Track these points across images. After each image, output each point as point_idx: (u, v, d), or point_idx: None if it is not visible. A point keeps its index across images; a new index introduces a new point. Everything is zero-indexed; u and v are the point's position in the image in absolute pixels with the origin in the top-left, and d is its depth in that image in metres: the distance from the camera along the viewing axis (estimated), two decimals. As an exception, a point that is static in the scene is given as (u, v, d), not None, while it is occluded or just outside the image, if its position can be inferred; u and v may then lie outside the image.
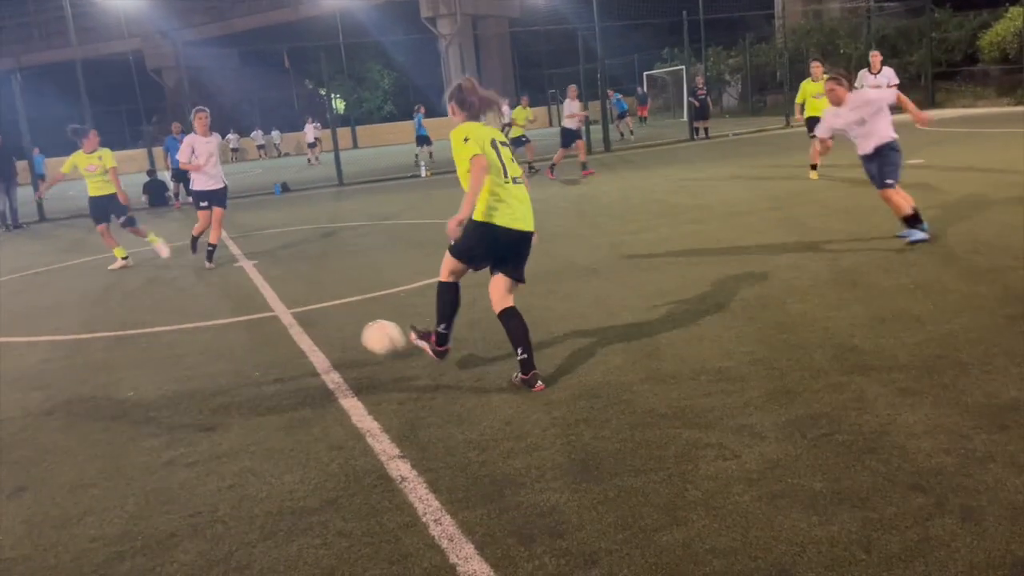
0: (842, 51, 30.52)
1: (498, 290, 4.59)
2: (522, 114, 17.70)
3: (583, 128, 17.49)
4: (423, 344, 4.85)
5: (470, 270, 4.78)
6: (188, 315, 7.08)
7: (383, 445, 3.82)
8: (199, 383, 5.10)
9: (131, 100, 37.44)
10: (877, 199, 7.34)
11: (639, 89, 38.89)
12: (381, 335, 4.81)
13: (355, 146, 40.40)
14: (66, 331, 6.94)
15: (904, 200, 7.03)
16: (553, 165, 16.38)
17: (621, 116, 28.12)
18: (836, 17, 33.81)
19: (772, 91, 34.09)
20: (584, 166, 16.33)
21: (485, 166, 4.30)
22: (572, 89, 17.13)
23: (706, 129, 24.01)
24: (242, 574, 2.84)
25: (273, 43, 44.53)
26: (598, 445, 3.59)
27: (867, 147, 7.14)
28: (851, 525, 2.74)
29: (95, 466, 3.92)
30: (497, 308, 4.55)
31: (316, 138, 32.49)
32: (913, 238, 6.96)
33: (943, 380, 3.93)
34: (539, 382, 4.37)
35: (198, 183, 9.65)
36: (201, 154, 9.38)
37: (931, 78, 26.82)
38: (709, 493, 3.06)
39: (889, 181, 6.94)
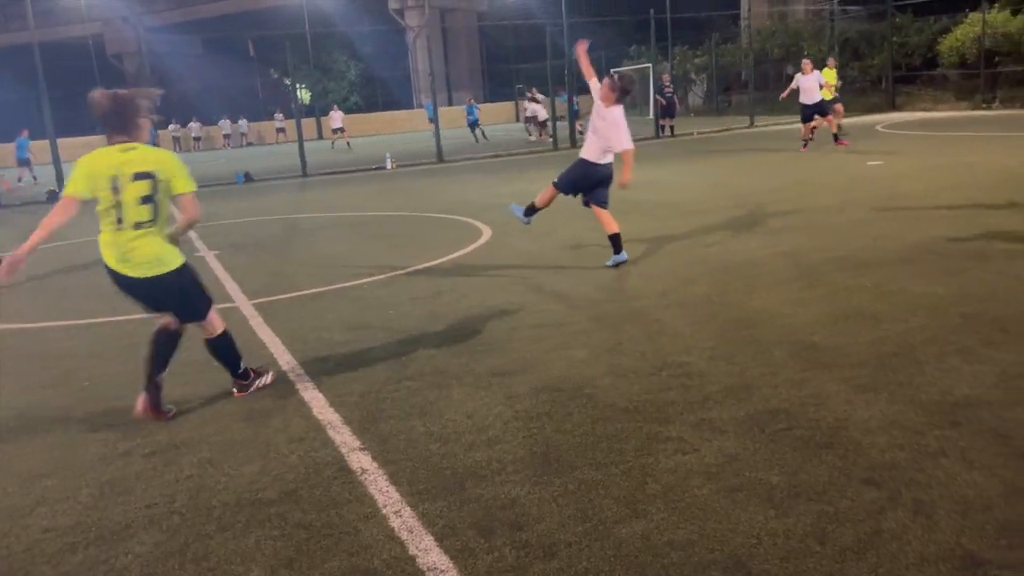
0: (806, 53, 30.92)
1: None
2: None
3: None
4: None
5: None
6: (146, 305, 6.95)
7: (344, 437, 3.79)
8: (157, 373, 5.01)
9: (91, 85, 36.30)
10: (840, 203, 7.45)
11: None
12: None
13: (320, 137, 40.00)
14: (22, 319, 6.78)
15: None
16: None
17: (531, 119, 27.85)
18: (800, 19, 34.29)
19: (737, 91, 34.45)
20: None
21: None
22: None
23: (672, 127, 24.20)
24: (198, 566, 2.80)
25: (238, 31, 43.89)
26: (559, 438, 3.60)
27: None
28: (807, 518, 2.79)
29: (48, 456, 3.84)
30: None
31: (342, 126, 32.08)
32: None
33: (898, 377, 4.00)
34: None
35: None
36: None
37: (891, 81, 27.32)
38: (668, 486, 3.09)
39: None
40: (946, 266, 6.14)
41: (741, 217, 9.10)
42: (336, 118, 32.32)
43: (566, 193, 7.29)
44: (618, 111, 7.06)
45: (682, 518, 2.85)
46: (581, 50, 7.58)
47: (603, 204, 7.13)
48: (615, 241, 7.11)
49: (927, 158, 13.51)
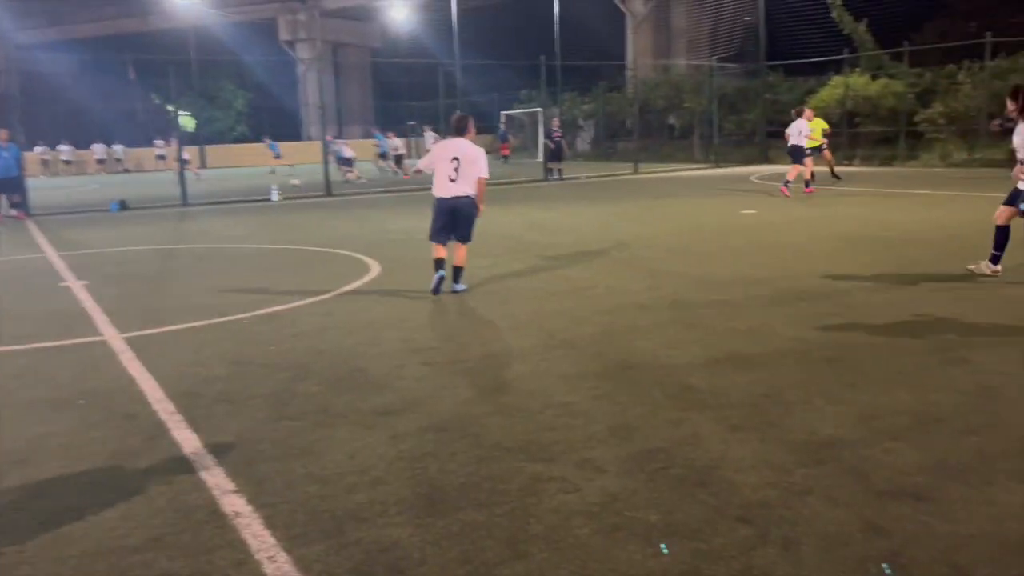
0: (686, 105, 32.44)
1: None
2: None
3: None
4: None
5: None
6: (1, 337, 6.49)
7: (217, 479, 3.63)
8: (13, 411, 4.67)
9: (-50, 101, 34.22)
10: (717, 249, 7.79)
11: (500, 127, 39.65)
12: None
13: (204, 166, 38.76)
14: None
15: None
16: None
17: (382, 156, 28.60)
18: (682, 73, 35.94)
19: (623, 138, 35.65)
20: None
21: None
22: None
23: (560, 170, 24.76)
24: (50, 621, 2.60)
25: (118, 52, 42.14)
26: (443, 479, 3.56)
27: None
28: (682, 556, 2.86)
29: None
30: None
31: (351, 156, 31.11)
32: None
33: (769, 418, 4.19)
34: None
35: None
36: None
37: (764, 135, 28.93)
38: (551, 526, 3.10)
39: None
40: (813, 312, 6.49)
41: (626, 260, 9.37)
42: (346, 150, 31.41)
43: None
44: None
45: (563, 558, 2.87)
46: None
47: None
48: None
49: (796, 209, 14.33)
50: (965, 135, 23.77)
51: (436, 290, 7.50)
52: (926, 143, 24.71)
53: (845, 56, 26.78)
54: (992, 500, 3.20)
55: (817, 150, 18.23)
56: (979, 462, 3.56)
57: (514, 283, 8.22)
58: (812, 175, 16.85)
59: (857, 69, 26.76)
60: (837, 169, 19.78)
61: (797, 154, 16.79)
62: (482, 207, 7.78)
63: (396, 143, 27.15)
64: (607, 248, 10.30)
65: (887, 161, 24.79)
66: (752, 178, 21.98)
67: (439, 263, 7.59)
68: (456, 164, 7.54)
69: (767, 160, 27.91)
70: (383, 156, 28.52)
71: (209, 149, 42.77)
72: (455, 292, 7.60)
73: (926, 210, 13.39)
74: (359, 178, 24.96)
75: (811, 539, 2.94)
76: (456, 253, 7.73)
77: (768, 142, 28.89)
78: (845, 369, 4.97)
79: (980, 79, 23.05)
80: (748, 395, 4.54)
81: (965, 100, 23.73)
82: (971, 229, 10.11)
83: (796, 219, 12.76)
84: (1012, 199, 7.36)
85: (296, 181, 23.02)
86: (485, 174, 7.67)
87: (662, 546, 2.89)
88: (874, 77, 26.29)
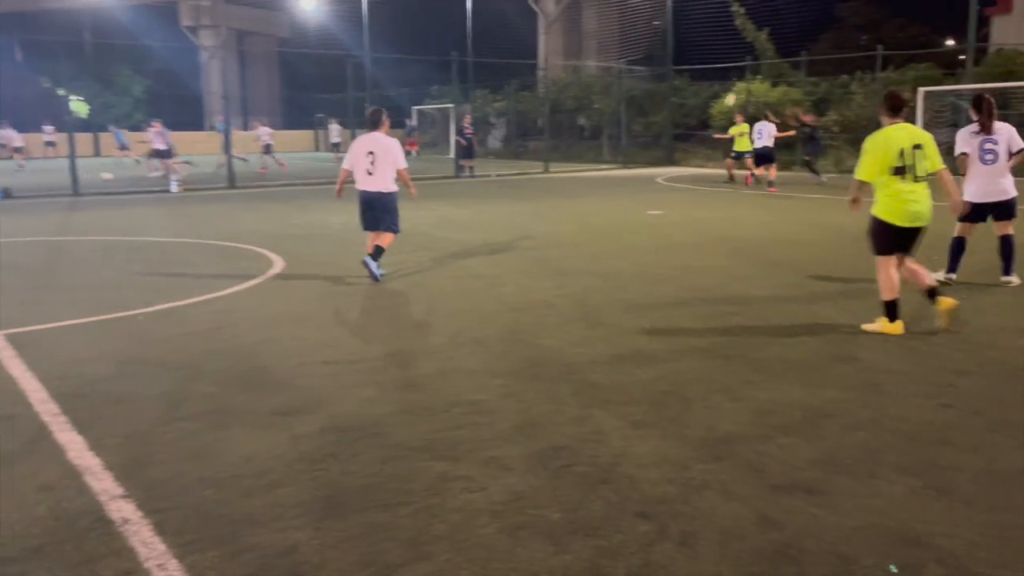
0: (596, 106, 32.91)
1: None
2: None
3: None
4: None
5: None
6: None
7: (104, 484, 3.45)
8: None
9: None
10: (623, 248, 7.91)
11: (407, 122, 39.23)
12: None
13: (97, 154, 36.99)
14: None
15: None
16: None
17: (121, 148, 28.24)
18: (592, 74, 36.45)
19: (534, 136, 35.89)
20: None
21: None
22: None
23: (471, 168, 24.73)
24: (-89, 641, 2.41)
25: (3, 32, 39.75)
26: (345, 480, 3.49)
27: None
28: (584, 553, 2.88)
29: None
30: None
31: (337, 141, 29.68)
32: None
33: (670, 414, 4.27)
34: None
35: None
36: None
37: (671, 138, 29.64)
38: (455, 526, 3.07)
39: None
40: (714, 311, 6.67)
41: (534, 258, 9.42)
42: (334, 131, 30.37)
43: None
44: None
45: (466, 558, 2.85)
46: None
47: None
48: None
49: (698, 210, 14.73)
50: (856, 143, 24.96)
51: (373, 277, 7.87)
52: (822, 150, 25.80)
53: (748, 63, 27.71)
54: (877, 492, 3.35)
55: (747, 154, 19.33)
56: (865, 455, 3.72)
57: (423, 280, 8.15)
58: (752, 175, 18.06)
59: (759, 76, 27.73)
60: (735, 172, 20.46)
61: (766, 156, 18.07)
62: (414, 191, 8.42)
63: (264, 132, 26.26)
64: (516, 246, 10.33)
65: (786, 166, 25.82)
66: (659, 179, 22.47)
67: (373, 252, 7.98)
68: (372, 158, 7.87)
69: (673, 162, 28.60)
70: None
71: (106, 136, 40.84)
72: (368, 271, 7.87)
73: (825, 214, 13.96)
74: (264, 171, 24.25)
75: (708, 533, 3.01)
76: (381, 236, 8.08)
77: (674, 144, 29.63)
78: (743, 366, 5.12)
79: (872, 89, 24.22)
80: (650, 392, 4.63)
81: (857, 109, 24.90)
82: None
83: (699, 220, 13.10)
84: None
85: (107, 175, 22.11)
86: (402, 164, 8.06)
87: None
88: (774, 84, 27.29)
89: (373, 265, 7.83)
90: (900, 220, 5.68)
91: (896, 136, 5.68)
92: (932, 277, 6.08)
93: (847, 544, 2.93)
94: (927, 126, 18.77)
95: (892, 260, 5.79)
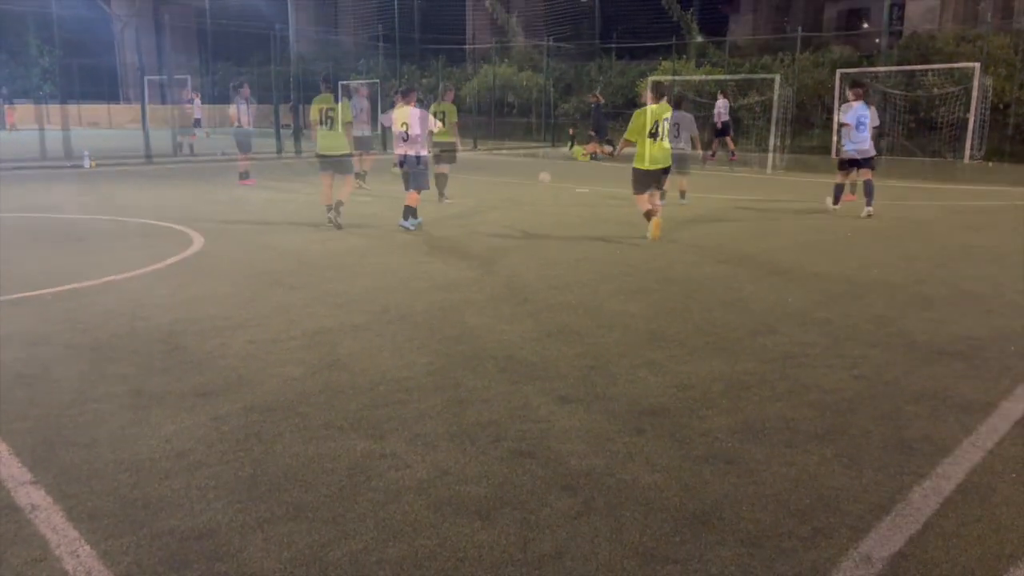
0: (525, 84, 32.85)
1: None
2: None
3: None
4: None
5: None
6: None
7: (12, 470, 3.31)
8: None
9: None
10: (552, 225, 7.92)
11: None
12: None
13: (2, 128, 35.19)
14: None
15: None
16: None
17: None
18: (520, 52, 36.33)
19: (462, 115, 35.60)
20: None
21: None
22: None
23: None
24: None
25: None
26: (268, 460, 3.42)
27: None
28: (511, 527, 2.89)
29: None
30: None
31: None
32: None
33: (595, 389, 4.32)
34: None
35: None
36: None
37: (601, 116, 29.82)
38: (379, 504, 3.05)
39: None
40: (639, 286, 6.77)
41: (463, 235, 9.38)
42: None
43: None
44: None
45: (392, 536, 2.83)
46: None
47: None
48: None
49: (627, 187, 14.88)
50: (777, 123, 25.57)
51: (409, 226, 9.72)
52: (744, 130, 26.36)
53: (673, 43, 28.03)
54: (791, 461, 3.46)
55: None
56: (782, 425, 3.84)
57: (350, 258, 8.03)
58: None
59: (684, 56, 28.11)
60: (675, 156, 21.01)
61: (726, 129, 22.14)
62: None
63: (196, 106, 25.33)
64: (446, 224, 10.27)
65: (707, 147, 26.32)
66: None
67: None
68: (405, 129, 9.48)
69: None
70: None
71: (17, 108, 38.92)
72: (403, 227, 9.57)
73: (748, 192, 14.24)
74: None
75: (632, 505, 3.06)
76: (408, 195, 9.73)
77: (603, 123, 29.81)
78: (666, 340, 5.21)
79: (791, 71, 24.80)
80: (576, 367, 4.67)
81: (778, 90, 25.48)
82: (799, 206, 10.86)
83: (626, 196, 13.24)
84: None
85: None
86: (434, 128, 10.44)
87: None
88: (698, 65, 27.72)
89: (408, 223, 9.54)
90: (649, 165, 8.97)
91: (653, 111, 8.84)
92: (660, 208, 9.41)
93: (763, 512, 3.02)
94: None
95: (646, 196, 9.15)
